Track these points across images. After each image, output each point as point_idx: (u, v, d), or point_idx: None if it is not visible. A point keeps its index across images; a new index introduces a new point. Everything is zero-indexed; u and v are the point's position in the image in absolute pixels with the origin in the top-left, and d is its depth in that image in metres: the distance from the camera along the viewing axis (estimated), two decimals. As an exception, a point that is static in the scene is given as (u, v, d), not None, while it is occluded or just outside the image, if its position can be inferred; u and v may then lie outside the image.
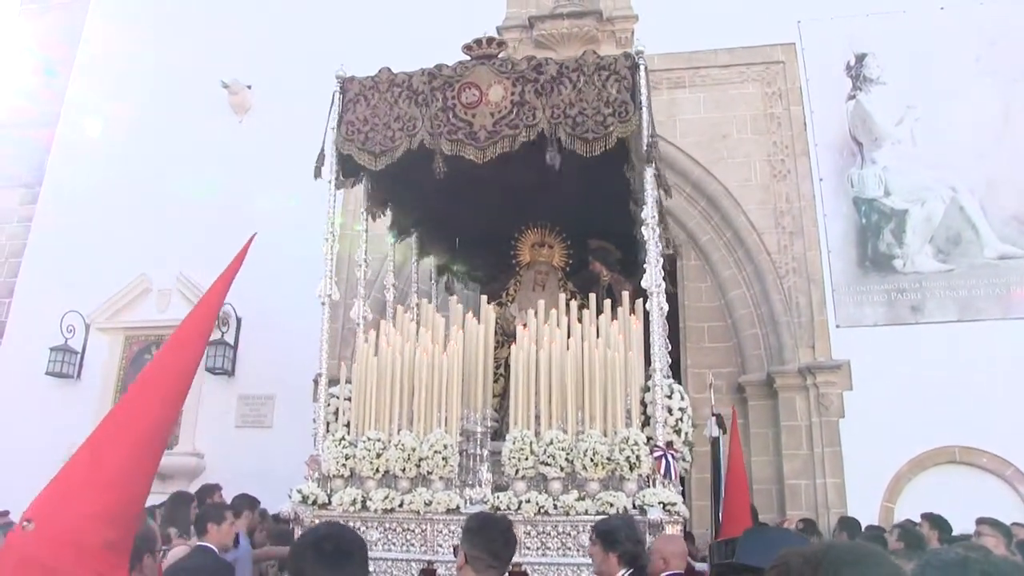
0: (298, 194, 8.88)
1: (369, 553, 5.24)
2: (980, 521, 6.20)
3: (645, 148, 5.85)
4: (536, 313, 6.05)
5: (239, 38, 11.67)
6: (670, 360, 6.29)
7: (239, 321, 10.79)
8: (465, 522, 3.43)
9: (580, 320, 5.92)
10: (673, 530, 5.22)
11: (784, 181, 9.90)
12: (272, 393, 10.29)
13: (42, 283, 11.34)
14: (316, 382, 6.33)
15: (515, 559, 5.19)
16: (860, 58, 10.08)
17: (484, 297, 6.73)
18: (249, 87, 11.61)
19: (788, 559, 1.84)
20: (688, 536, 8.36)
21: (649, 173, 5.92)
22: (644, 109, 5.89)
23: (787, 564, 1.83)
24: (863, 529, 7.50)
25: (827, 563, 1.77)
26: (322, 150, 6.42)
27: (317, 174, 6.43)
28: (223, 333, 10.64)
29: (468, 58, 6.34)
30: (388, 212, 7.48)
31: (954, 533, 6.54)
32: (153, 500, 8.41)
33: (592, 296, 6.30)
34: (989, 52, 9.75)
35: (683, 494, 6.06)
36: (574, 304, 6.14)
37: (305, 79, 9.33)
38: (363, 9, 11.22)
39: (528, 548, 5.25)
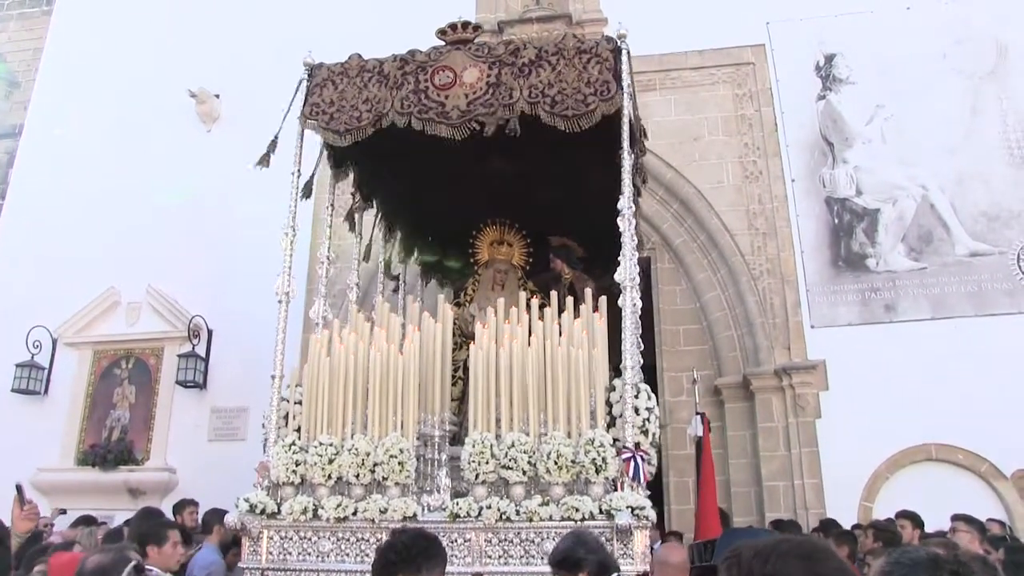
0: (269, 203, 8.73)
1: (322, 564, 5.17)
2: (955, 518, 6.16)
3: (630, 131, 5.72)
4: (496, 311, 5.88)
5: (206, 47, 11.57)
6: (642, 361, 6.14)
7: (210, 333, 10.64)
8: (411, 555, 2.74)
9: (541, 318, 5.76)
10: (641, 535, 5.10)
11: (756, 182, 9.87)
12: (245, 405, 10.07)
13: (7, 297, 11.09)
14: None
15: (476, 568, 5.07)
16: (829, 58, 10.07)
17: (441, 296, 6.58)
18: (217, 96, 11.50)
19: (740, 552, 1.89)
20: (675, 535, 8.30)
21: (627, 161, 5.80)
22: (627, 94, 5.77)
23: (738, 557, 1.88)
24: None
25: (776, 555, 1.83)
26: (275, 137, 6.32)
27: (263, 163, 6.32)
28: (194, 345, 10.49)
29: (442, 43, 6.22)
30: (357, 213, 7.39)
31: (931, 530, 6.47)
32: (123, 516, 8.34)
33: (553, 295, 6.16)
34: (955, 50, 9.78)
35: (654, 497, 5.94)
36: (535, 302, 5.98)
37: (274, 87, 9.21)
38: (333, 19, 11.12)
39: (489, 557, 5.09)
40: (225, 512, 6.80)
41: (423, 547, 2.79)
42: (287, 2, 11.66)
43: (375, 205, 7.61)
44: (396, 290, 8.42)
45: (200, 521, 7.14)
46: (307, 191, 6.60)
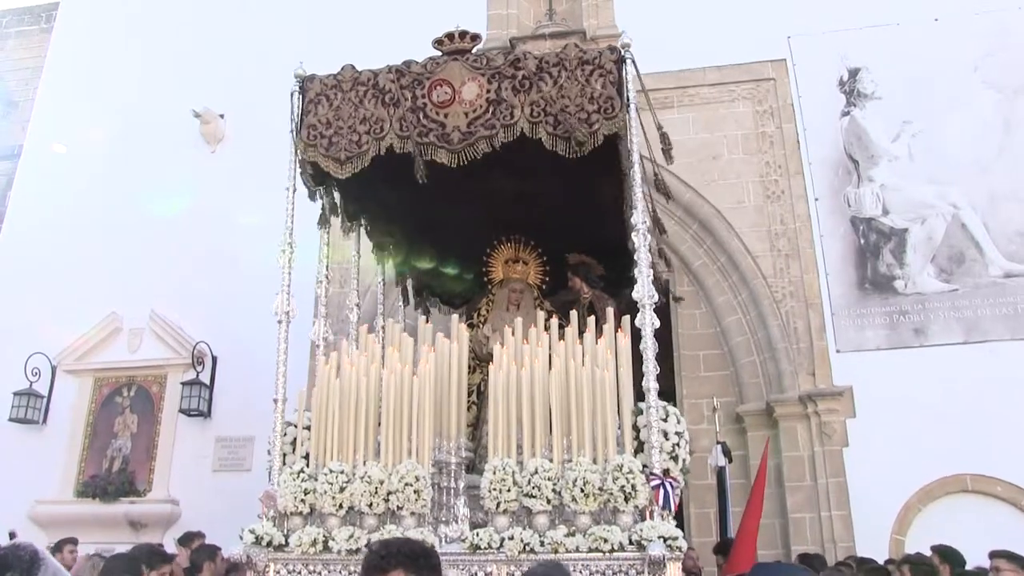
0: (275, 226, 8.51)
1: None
2: (995, 555, 5.78)
3: (637, 147, 5.49)
4: (514, 331, 5.62)
5: (210, 66, 11.40)
6: (659, 386, 5.85)
7: (215, 360, 10.40)
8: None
9: (562, 339, 5.49)
10: (674, 568, 4.76)
11: (778, 202, 9.59)
12: (251, 435, 9.80)
13: (5, 323, 10.84)
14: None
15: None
16: (853, 73, 9.82)
17: (455, 315, 6.30)
18: (222, 116, 11.33)
19: None
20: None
21: (638, 176, 5.55)
22: (632, 106, 5.54)
23: None
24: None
25: None
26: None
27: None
28: (198, 373, 10.24)
29: (439, 54, 5.98)
30: (349, 226, 7.14)
31: (969, 567, 6.11)
32: (122, 550, 8.02)
33: (573, 314, 5.88)
34: (987, 63, 9.51)
35: (680, 527, 5.64)
36: (554, 322, 5.71)
37: (279, 107, 9.01)
38: (339, 38, 10.90)
39: (512, 591, 4.78)
40: (215, 548, 6.54)
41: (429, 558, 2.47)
42: (292, 21, 11.49)
43: (364, 223, 7.35)
44: (425, 312, 8.13)
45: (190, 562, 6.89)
46: (323, 223, 6.59)
